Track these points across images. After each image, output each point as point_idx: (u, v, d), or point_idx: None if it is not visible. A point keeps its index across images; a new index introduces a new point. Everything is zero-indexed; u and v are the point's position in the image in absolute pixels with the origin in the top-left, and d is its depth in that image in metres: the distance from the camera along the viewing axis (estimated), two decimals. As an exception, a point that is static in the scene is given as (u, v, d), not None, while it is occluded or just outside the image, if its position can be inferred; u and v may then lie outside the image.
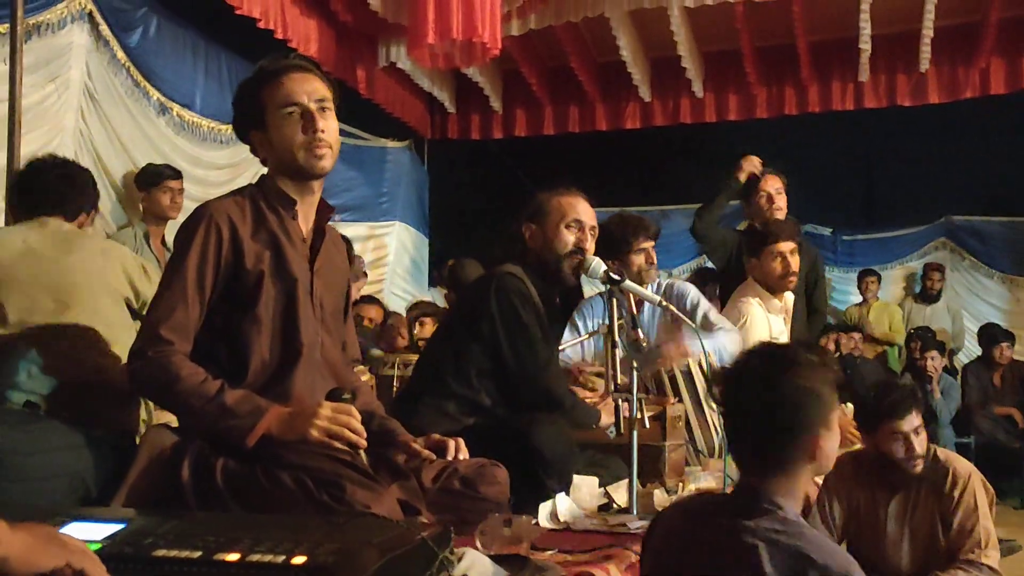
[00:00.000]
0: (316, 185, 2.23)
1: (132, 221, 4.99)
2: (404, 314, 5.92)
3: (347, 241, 5.18)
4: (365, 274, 6.62)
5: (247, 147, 2.27)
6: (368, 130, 7.65)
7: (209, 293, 2.07)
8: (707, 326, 3.63)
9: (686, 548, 1.74)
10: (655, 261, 3.71)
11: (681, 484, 2.86)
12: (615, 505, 2.60)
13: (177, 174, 5.02)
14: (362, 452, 2.07)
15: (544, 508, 2.37)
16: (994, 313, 9.05)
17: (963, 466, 3.12)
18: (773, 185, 4.44)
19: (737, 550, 1.61)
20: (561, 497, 2.42)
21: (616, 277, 2.73)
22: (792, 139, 9.07)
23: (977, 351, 8.24)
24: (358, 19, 6.06)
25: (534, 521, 2.21)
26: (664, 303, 2.86)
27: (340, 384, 2.18)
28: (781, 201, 4.42)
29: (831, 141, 10.50)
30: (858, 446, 3.28)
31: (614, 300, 2.72)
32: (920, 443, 3.02)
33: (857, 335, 8.07)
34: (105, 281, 2.67)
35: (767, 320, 3.97)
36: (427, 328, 4.96)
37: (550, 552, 2.03)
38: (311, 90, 2.16)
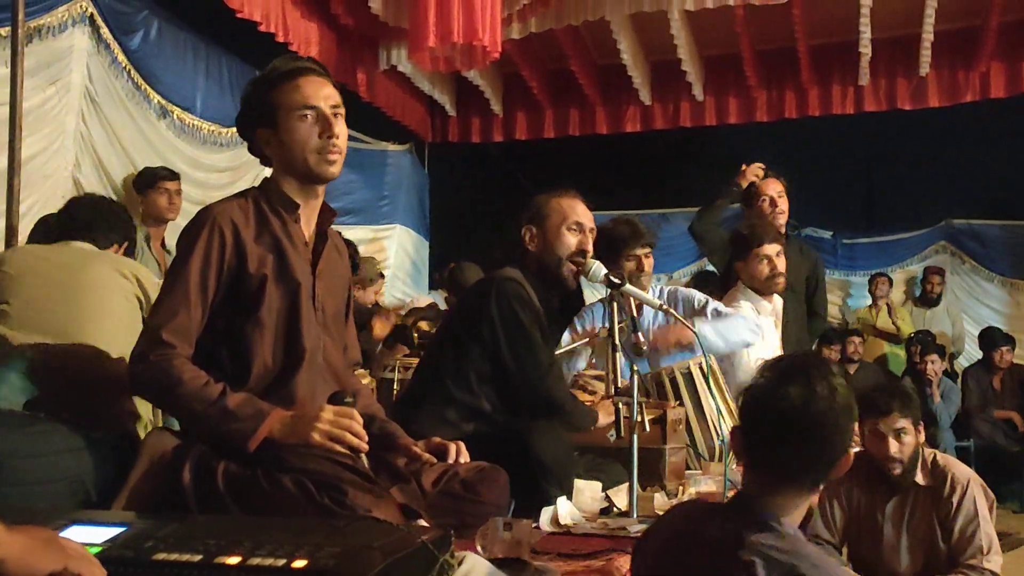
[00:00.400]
0: (320, 189, 2.24)
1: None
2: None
3: (352, 246, 5.20)
4: (382, 275, 6.57)
5: (247, 150, 2.27)
6: (369, 133, 7.66)
7: (212, 296, 2.07)
8: (720, 317, 3.68)
9: (682, 559, 1.72)
10: (646, 268, 3.66)
11: (681, 488, 2.86)
12: (615, 509, 2.60)
13: (173, 175, 5.02)
14: (363, 456, 2.06)
15: (546, 512, 2.37)
16: (994, 317, 9.03)
17: (961, 471, 3.12)
18: (775, 189, 4.46)
19: (734, 565, 1.60)
20: (563, 501, 2.42)
21: (617, 281, 2.73)
22: (792, 143, 9.09)
23: (977, 355, 8.24)
24: (359, 22, 6.07)
25: (534, 525, 2.20)
26: (664, 307, 2.86)
27: (342, 387, 2.18)
28: (783, 205, 4.44)
29: (831, 145, 10.52)
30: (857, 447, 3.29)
31: (615, 304, 2.72)
32: (903, 446, 3.01)
33: (857, 339, 8.07)
34: (116, 283, 2.67)
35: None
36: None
37: (549, 556, 2.03)
38: (328, 95, 2.17)
